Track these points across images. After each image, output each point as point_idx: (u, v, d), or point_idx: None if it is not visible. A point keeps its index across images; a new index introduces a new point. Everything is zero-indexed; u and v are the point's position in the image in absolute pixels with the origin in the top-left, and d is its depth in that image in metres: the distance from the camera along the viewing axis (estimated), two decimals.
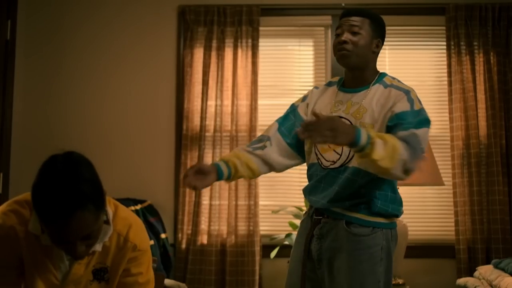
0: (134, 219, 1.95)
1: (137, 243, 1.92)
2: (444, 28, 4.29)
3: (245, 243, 4.10)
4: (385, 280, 2.36)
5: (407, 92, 2.31)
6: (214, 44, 4.28)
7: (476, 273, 3.57)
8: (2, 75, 4.08)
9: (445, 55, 4.29)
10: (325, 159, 2.36)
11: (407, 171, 2.17)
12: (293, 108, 2.54)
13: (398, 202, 2.39)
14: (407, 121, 2.21)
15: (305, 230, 2.43)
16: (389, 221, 2.36)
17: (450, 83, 4.20)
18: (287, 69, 4.44)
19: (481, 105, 4.16)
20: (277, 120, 2.53)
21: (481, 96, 4.16)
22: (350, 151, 2.28)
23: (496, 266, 3.38)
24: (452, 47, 4.22)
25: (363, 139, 2.04)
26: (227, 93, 4.24)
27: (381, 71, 2.46)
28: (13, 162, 4.16)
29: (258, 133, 4.19)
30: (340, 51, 2.35)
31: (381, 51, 4.46)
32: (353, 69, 2.40)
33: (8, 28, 4.13)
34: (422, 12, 4.37)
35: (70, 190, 1.62)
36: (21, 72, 4.27)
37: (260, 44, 4.29)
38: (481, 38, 4.23)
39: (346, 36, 2.35)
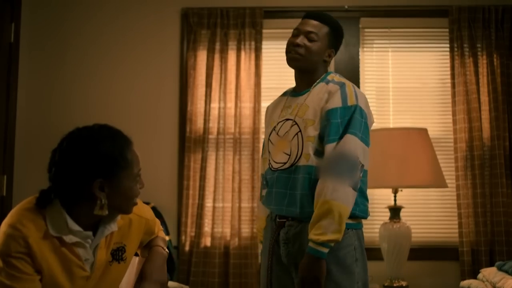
0: None
1: (142, 214, 2.12)
2: (447, 30, 4.29)
3: (249, 245, 4.10)
4: (363, 280, 2.32)
5: (342, 85, 2.34)
6: (218, 46, 4.29)
7: (479, 275, 3.56)
8: (6, 78, 4.10)
9: (448, 57, 4.28)
10: (275, 162, 2.37)
11: (354, 190, 2.21)
12: (266, 134, 2.60)
13: (364, 204, 2.35)
14: (332, 126, 2.24)
15: (270, 235, 2.40)
16: (357, 221, 2.33)
17: (453, 85, 4.20)
18: (290, 72, 4.39)
19: (485, 107, 4.15)
20: (262, 156, 2.58)
21: (484, 98, 4.16)
22: (298, 150, 2.30)
23: (500, 268, 3.37)
24: (455, 49, 4.22)
25: (324, 250, 2.14)
26: (231, 95, 4.25)
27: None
28: (17, 165, 4.17)
29: (261, 136, 4.19)
30: (290, 52, 2.41)
31: (384, 53, 4.52)
32: (301, 72, 2.45)
33: (12, 31, 4.14)
34: (425, 14, 4.37)
35: (116, 128, 1.96)
36: (25, 75, 4.28)
37: (263, 46, 4.30)
38: (484, 40, 4.22)
39: (301, 40, 2.39)
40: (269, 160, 2.41)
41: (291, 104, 2.43)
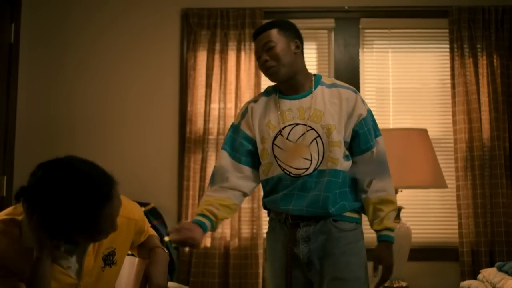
0: None
1: (130, 216, 2.06)
2: (447, 30, 4.29)
3: (249, 246, 4.10)
4: (367, 273, 2.45)
5: (355, 91, 2.45)
6: (218, 47, 4.29)
7: (479, 276, 3.56)
8: (6, 78, 4.09)
9: (448, 57, 4.29)
10: (294, 168, 2.37)
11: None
12: (235, 128, 2.54)
13: None
14: (369, 132, 2.41)
15: (281, 237, 2.42)
16: (361, 217, 2.50)
17: (453, 86, 4.20)
18: None
19: (485, 108, 4.15)
20: (223, 148, 2.54)
21: (484, 98, 4.16)
22: (319, 155, 2.34)
23: (500, 269, 3.37)
24: (455, 49, 4.22)
25: (393, 234, 2.41)
26: (230, 96, 4.25)
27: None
28: (17, 165, 4.17)
29: None
30: (267, 70, 2.41)
31: (384, 53, 4.51)
32: (287, 80, 2.43)
33: (12, 32, 4.14)
34: (425, 15, 4.37)
35: (102, 172, 1.78)
36: (25, 75, 4.28)
37: None
38: (484, 40, 4.22)
39: (264, 56, 2.40)
40: (281, 166, 2.38)
41: (291, 107, 2.41)
